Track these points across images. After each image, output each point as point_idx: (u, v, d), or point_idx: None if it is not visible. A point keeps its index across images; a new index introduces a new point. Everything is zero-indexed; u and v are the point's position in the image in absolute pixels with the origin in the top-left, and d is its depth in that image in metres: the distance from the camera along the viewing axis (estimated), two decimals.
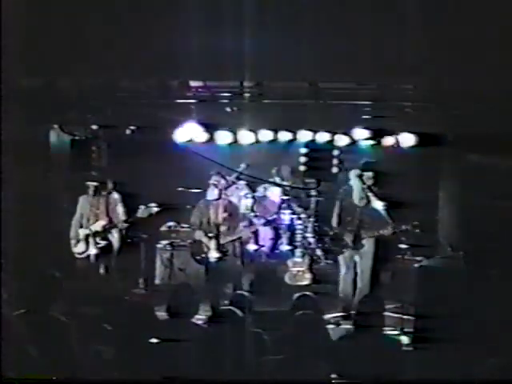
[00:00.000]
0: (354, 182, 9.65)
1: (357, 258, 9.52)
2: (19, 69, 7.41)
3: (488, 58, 7.25)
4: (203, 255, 9.65)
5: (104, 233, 9.61)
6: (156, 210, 9.59)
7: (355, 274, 9.52)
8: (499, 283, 7.10)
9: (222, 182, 9.83)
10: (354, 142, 9.78)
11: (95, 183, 9.70)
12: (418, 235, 9.27)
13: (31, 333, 5.01)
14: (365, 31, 7.20)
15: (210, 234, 9.61)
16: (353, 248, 9.52)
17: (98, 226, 9.61)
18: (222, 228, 9.71)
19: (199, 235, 9.70)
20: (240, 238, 9.79)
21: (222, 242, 9.61)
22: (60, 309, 5.52)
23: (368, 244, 9.49)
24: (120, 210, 9.71)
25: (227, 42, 7.05)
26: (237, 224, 9.83)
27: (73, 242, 9.65)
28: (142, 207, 9.57)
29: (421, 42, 7.18)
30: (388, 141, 9.79)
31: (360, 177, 9.63)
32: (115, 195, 9.73)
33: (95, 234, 9.58)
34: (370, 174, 9.58)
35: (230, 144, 9.93)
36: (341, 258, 9.58)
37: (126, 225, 9.68)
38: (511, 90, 7.71)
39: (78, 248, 9.61)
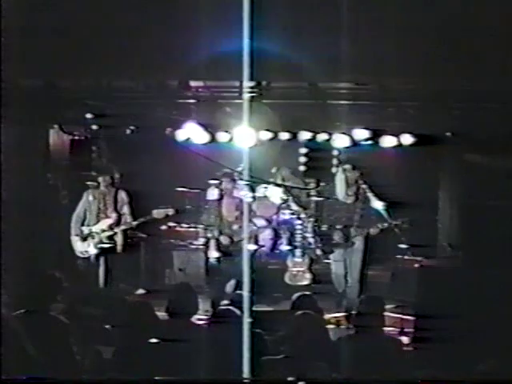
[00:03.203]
0: (340, 177, 9.64)
1: (347, 256, 9.56)
2: (19, 69, 7.41)
3: (488, 57, 7.24)
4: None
5: (110, 231, 9.54)
6: (171, 211, 9.61)
7: (346, 272, 9.54)
8: (499, 283, 7.09)
9: (224, 182, 9.85)
10: (354, 142, 9.77)
11: (102, 178, 9.66)
12: (414, 233, 9.25)
13: (31, 333, 5.01)
14: (365, 31, 7.20)
15: (222, 235, 9.69)
16: (343, 246, 9.52)
17: (104, 224, 9.56)
18: (235, 226, 9.79)
19: (212, 233, 9.77)
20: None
21: (235, 239, 9.71)
22: (60, 309, 5.52)
23: (358, 242, 9.51)
24: (126, 210, 9.68)
25: (227, 42, 7.05)
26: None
27: (75, 239, 9.60)
28: (158, 210, 9.58)
29: (421, 42, 7.18)
30: (388, 141, 9.79)
31: (344, 171, 9.61)
32: (123, 194, 9.71)
33: (101, 232, 9.52)
34: (348, 167, 9.56)
35: (229, 144, 9.93)
36: (331, 257, 9.63)
37: (134, 224, 9.62)
38: (511, 90, 7.70)
39: (82, 247, 9.53)
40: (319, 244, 9.78)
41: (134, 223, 9.60)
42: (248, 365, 5.06)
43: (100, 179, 9.63)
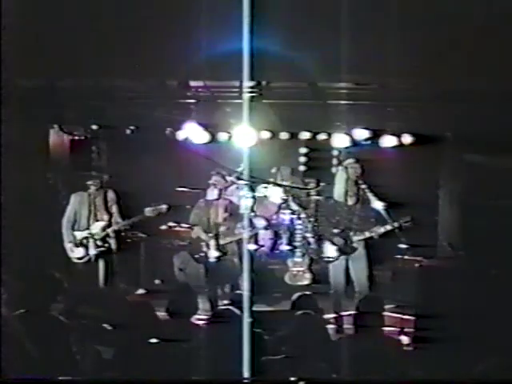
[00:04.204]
0: (340, 175, 9.50)
1: (349, 263, 9.24)
2: (19, 69, 7.41)
3: (488, 57, 7.25)
4: (202, 254, 9.60)
5: (103, 232, 9.49)
6: (165, 208, 9.53)
7: (347, 280, 9.31)
8: (499, 283, 7.10)
9: (222, 181, 9.80)
10: (354, 142, 9.77)
11: (93, 182, 9.59)
12: (414, 233, 9.20)
13: (31, 333, 5.01)
14: (365, 31, 7.20)
15: (210, 234, 9.58)
16: (345, 253, 9.31)
17: (97, 227, 9.51)
18: (222, 228, 9.68)
19: (198, 233, 9.64)
20: (240, 239, 9.75)
21: (221, 242, 9.58)
22: (60, 309, 5.53)
23: (360, 248, 9.20)
24: (115, 209, 9.62)
25: (227, 42, 7.05)
26: (236, 224, 9.80)
27: (69, 246, 9.52)
28: (150, 208, 9.49)
29: (421, 42, 7.18)
30: (388, 141, 9.79)
31: (346, 169, 9.42)
32: (111, 194, 9.65)
33: (95, 235, 9.47)
34: (351, 161, 9.39)
35: (229, 144, 9.93)
36: (331, 267, 9.31)
37: (125, 223, 9.56)
38: (511, 90, 7.70)
39: (77, 253, 9.45)
40: (319, 247, 9.67)
41: (126, 222, 9.53)
42: (248, 365, 5.06)
43: (88, 182, 9.55)
